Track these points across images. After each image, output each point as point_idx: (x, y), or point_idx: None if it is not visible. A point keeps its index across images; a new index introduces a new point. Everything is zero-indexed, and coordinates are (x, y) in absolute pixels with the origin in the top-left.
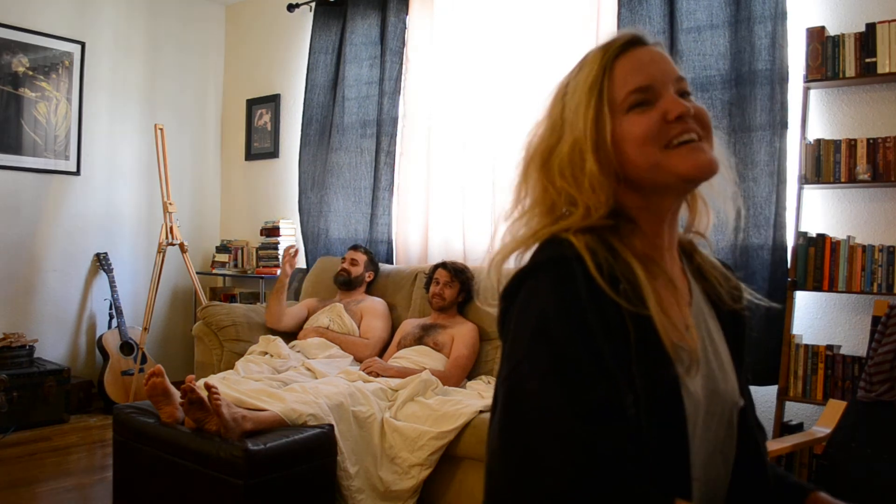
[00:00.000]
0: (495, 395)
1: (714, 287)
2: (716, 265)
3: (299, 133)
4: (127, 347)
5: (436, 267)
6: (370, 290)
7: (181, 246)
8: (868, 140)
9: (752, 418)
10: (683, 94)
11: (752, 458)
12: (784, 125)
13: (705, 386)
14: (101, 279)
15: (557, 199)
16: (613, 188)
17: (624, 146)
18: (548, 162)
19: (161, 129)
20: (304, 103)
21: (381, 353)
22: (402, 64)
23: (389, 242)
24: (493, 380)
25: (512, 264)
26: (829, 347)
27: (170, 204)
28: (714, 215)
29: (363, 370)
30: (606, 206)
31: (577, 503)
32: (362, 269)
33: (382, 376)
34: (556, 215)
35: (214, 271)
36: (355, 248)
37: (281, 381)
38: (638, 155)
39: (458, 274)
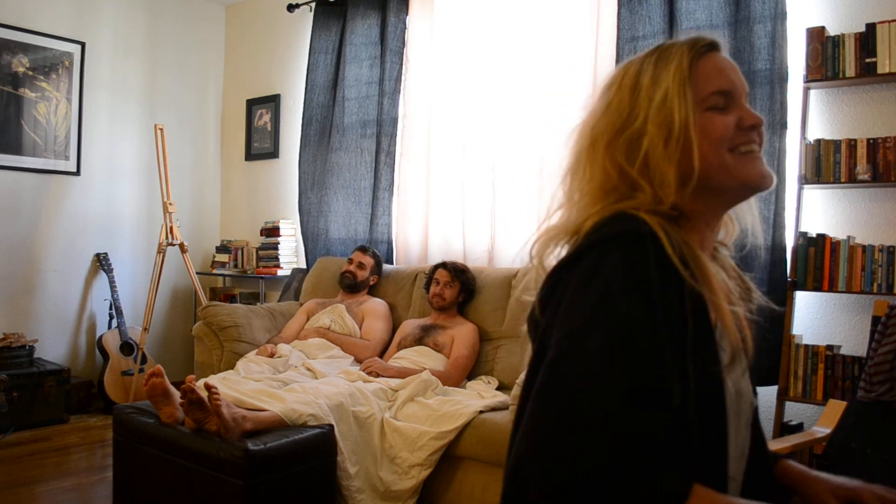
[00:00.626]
0: (534, 363)
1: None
2: (732, 266)
3: (299, 133)
4: (127, 347)
5: (436, 267)
6: (371, 290)
7: (181, 246)
8: (868, 140)
9: (758, 416)
10: None
11: (762, 456)
12: (784, 125)
13: (734, 386)
14: (101, 279)
15: (619, 184)
16: (679, 184)
17: (701, 143)
18: (613, 146)
19: (161, 129)
20: (305, 103)
21: (382, 354)
22: (402, 64)
23: (389, 242)
24: (493, 380)
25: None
26: (829, 347)
27: (170, 204)
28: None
29: (363, 370)
30: (673, 197)
31: (603, 482)
32: (368, 273)
33: (382, 376)
34: (614, 198)
35: (214, 271)
36: (363, 249)
37: (281, 381)
38: (713, 153)
39: (458, 274)
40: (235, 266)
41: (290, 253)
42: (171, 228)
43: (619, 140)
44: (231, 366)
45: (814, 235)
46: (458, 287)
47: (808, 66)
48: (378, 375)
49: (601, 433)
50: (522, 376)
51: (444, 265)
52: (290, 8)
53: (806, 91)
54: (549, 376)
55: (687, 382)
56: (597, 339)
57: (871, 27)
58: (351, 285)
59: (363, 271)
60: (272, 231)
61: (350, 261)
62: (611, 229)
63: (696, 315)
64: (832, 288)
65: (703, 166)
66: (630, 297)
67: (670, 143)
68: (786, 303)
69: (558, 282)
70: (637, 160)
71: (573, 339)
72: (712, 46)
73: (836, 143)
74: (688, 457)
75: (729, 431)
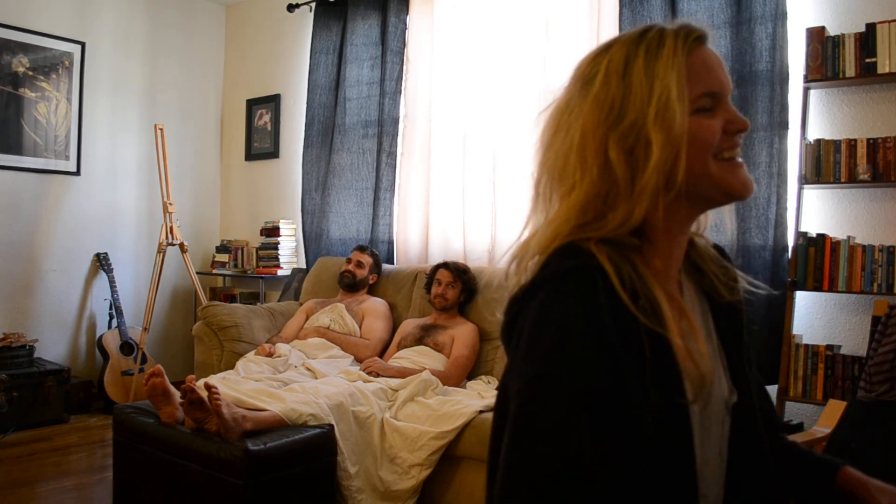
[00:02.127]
0: (500, 400)
1: (711, 281)
2: (713, 257)
3: (300, 133)
4: (127, 347)
5: (437, 267)
6: (371, 290)
7: (181, 246)
8: (868, 140)
9: (752, 411)
10: None
11: (750, 454)
12: (784, 126)
13: (702, 413)
14: (101, 279)
15: (601, 192)
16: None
17: (688, 148)
18: (605, 143)
19: (161, 129)
20: (307, 104)
21: (382, 353)
22: (402, 64)
23: (390, 242)
24: (493, 380)
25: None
26: (829, 347)
27: (170, 204)
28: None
29: (363, 370)
30: (645, 209)
31: None
32: (367, 272)
33: (382, 376)
34: (588, 217)
35: (214, 271)
36: (362, 249)
37: (281, 381)
38: (698, 160)
39: (460, 274)
40: (235, 266)
41: (290, 253)
42: (171, 228)
43: (612, 137)
44: (231, 366)
45: (814, 235)
46: (459, 287)
47: (808, 66)
48: (378, 375)
49: (571, 487)
50: None
51: (445, 265)
52: (290, 8)
53: (806, 91)
54: (515, 432)
55: (653, 416)
56: (557, 391)
57: (871, 27)
58: (350, 284)
59: (362, 270)
60: (272, 231)
61: (349, 260)
62: (559, 266)
63: (655, 347)
64: (832, 288)
65: (686, 174)
66: (585, 340)
67: (667, 148)
68: (786, 303)
69: (515, 319)
70: (626, 161)
71: (534, 391)
72: (703, 38)
73: (836, 144)
74: (654, 487)
75: (696, 460)
